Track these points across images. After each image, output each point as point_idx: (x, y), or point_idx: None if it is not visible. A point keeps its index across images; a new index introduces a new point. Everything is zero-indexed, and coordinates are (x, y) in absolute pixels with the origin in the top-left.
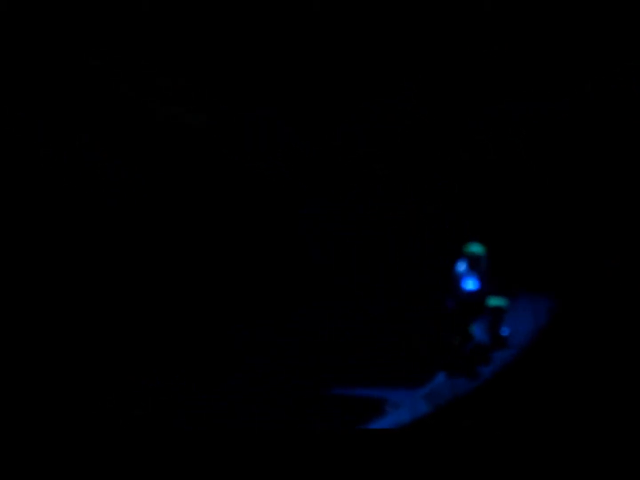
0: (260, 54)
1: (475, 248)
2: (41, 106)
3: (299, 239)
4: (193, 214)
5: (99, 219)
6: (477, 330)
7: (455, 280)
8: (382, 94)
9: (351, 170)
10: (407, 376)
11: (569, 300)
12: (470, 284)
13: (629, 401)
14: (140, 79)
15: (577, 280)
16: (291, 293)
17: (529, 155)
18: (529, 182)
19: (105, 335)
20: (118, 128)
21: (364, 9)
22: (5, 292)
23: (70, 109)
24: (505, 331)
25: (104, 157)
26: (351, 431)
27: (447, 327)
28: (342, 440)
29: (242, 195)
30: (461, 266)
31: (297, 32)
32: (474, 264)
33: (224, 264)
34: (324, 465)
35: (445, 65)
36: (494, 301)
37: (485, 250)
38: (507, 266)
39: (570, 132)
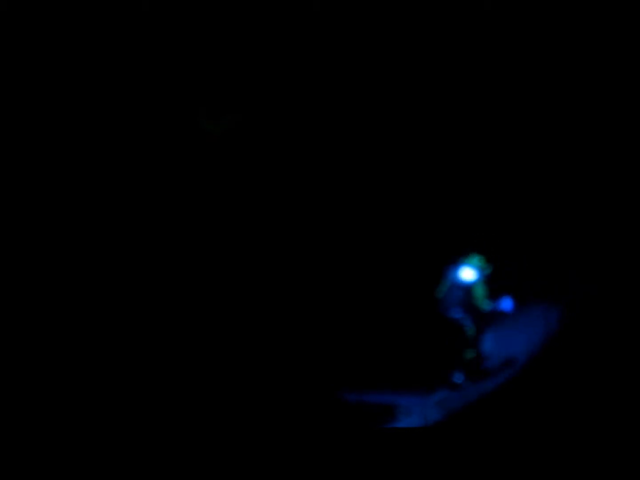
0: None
1: (474, 261)
2: (51, 109)
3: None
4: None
5: (127, 234)
6: (486, 342)
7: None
8: (381, 93)
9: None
10: (419, 383)
11: (582, 306)
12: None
13: None
14: (160, 84)
15: (590, 286)
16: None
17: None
18: (537, 186)
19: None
20: (137, 133)
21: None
22: (5, 292)
23: (85, 112)
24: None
25: (124, 163)
26: (362, 435)
27: (457, 337)
28: (353, 443)
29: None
30: (458, 273)
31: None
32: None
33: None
34: (336, 467)
35: (444, 65)
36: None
37: (484, 262)
38: (517, 274)
39: (570, 130)
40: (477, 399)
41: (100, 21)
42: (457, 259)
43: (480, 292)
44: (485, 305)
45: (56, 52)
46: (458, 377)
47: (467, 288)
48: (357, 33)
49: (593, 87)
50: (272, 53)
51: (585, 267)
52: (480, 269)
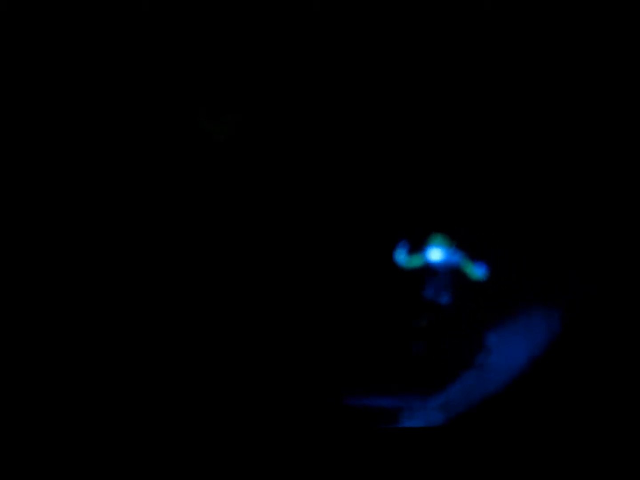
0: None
1: (439, 240)
2: (50, 109)
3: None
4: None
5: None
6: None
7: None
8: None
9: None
10: (422, 385)
11: (583, 307)
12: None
13: None
14: (160, 87)
15: (590, 286)
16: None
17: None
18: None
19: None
20: (135, 138)
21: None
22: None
23: (83, 116)
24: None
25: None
26: (363, 435)
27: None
28: (355, 444)
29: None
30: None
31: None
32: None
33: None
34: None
35: (443, 65)
36: None
37: (449, 239)
38: (516, 276)
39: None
40: (480, 402)
41: (100, 21)
42: (423, 243)
43: (469, 268)
44: (478, 275)
45: (55, 52)
46: (417, 347)
47: (453, 269)
48: (357, 33)
49: (593, 87)
50: (271, 53)
51: (586, 267)
52: (449, 247)
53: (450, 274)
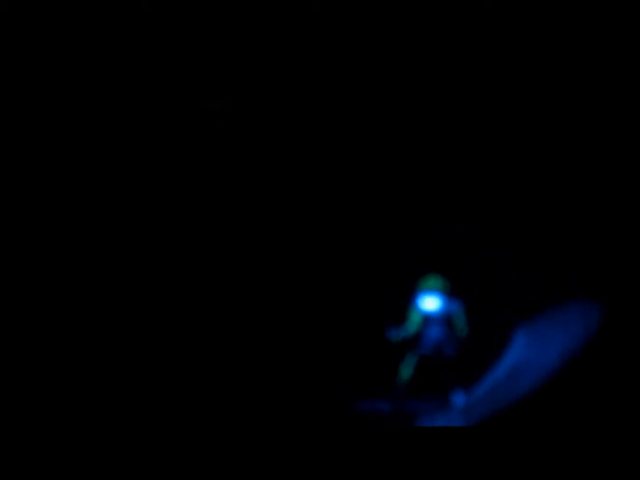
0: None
1: (432, 282)
2: (45, 99)
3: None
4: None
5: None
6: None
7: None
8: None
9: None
10: (443, 390)
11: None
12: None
13: None
14: (154, 63)
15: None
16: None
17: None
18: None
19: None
20: (131, 114)
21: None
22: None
23: (80, 98)
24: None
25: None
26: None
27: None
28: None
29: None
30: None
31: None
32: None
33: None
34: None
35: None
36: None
37: (446, 286)
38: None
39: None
40: (505, 407)
41: (99, 18)
42: (417, 287)
43: (461, 322)
44: (464, 333)
45: (60, 39)
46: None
47: (447, 319)
48: (357, 32)
49: (593, 87)
50: (271, 53)
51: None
52: (444, 292)
53: (447, 323)
